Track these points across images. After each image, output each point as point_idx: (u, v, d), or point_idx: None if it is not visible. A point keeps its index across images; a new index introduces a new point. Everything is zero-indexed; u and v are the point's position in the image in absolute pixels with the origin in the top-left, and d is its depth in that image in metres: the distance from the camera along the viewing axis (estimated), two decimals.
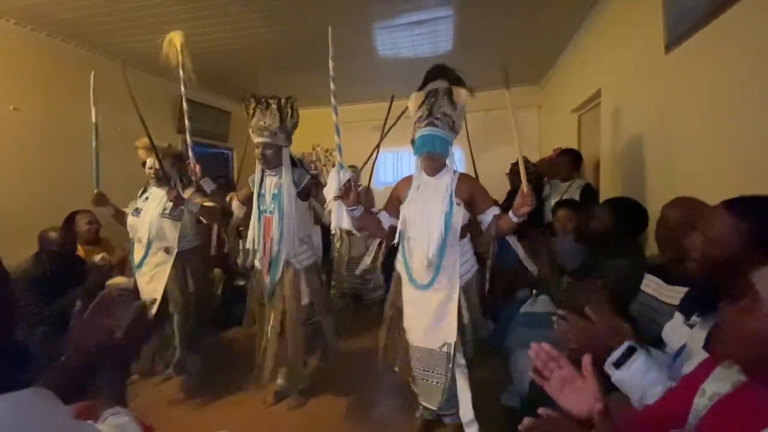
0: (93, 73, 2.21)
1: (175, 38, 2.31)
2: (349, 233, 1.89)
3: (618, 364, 0.94)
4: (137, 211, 2.35)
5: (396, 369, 1.88)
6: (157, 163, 2.19)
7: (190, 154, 2.09)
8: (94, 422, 0.69)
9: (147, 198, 2.38)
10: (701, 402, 0.71)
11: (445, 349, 1.66)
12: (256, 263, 2.17)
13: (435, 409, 1.74)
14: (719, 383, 0.70)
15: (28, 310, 2.09)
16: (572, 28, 3.23)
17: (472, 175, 2.17)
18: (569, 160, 2.87)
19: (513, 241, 1.74)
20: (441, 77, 1.84)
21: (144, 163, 2.30)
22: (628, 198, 2.00)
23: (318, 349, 2.27)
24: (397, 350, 1.84)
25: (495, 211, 1.68)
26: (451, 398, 1.71)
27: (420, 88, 1.86)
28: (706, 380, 0.73)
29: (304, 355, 2.17)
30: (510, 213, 1.55)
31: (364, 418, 2.14)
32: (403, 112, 1.91)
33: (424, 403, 1.80)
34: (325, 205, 2.02)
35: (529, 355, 0.88)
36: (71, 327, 0.82)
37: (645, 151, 2.13)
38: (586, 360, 0.79)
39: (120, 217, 2.45)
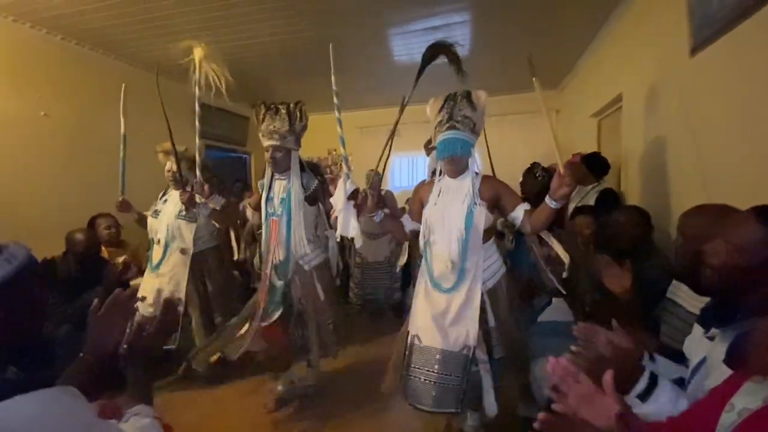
0: (124, 86, 2.28)
1: (196, 52, 2.14)
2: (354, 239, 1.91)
3: (643, 396, 0.88)
4: (156, 213, 2.43)
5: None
6: (175, 166, 2.26)
7: (198, 173, 2.14)
8: (117, 421, 0.71)
9: (166, 200, 2.45)
10: (729, 417, 0.67)
11: (464, 351, 1.64)
12: (264, 266, 2.18)
13: (453, 410, 1.67)
14: (750, 398, 0.67)
15: (54, 309, 2.16)
16: (592, 32, 3.18)
17: None
18: (586, 165, 2.79)
19: (548, 237, 1.69)
20: (440, 54, 1.83)
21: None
22: (630, 206, 1.97)
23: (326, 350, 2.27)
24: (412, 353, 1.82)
25: (525, 206, 1.64)
26: (468, 401, 1.68)
27: (420, 72, 1.85)
28: (735, 394, 0.70)
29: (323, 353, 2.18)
30: (547, 199, 1.49)
31: (379, 422, 2.14)
32: (401, 113, 1.90)
33: (432, 410, 1.69)
34: (331, 212, 2.04)
35: (546, 369, 0.85)
36: (88, 324, 0.85)
37: (670, 156, 2.08)
38: (608, 376, 0.76)
39: (143, 222, 2.52)
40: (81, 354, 0.79)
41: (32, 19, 2.74)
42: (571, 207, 2.74)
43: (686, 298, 1.42)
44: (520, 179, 3.67)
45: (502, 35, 3.26)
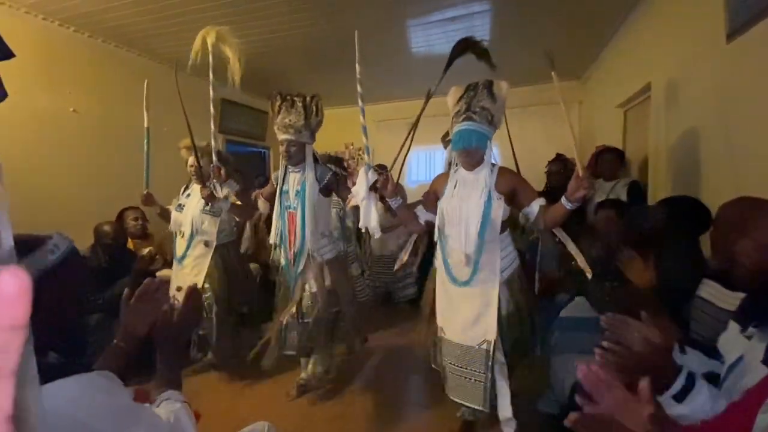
0: (147, 81, 2.33)
1: (208, 36, 2.12)
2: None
3: (680, 397, 0.84)
4: (180, 207, 2.49)
5: (434, 366, 1.88)
6: (196, 161, 2.30)
7: (214, 158, 2.17)
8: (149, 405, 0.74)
9: (189, 195, 2.51)
10: (765, 418, 0.65)
11: (484, 346, 1.63)
12: (281, 259, 2.21)
13: (479, 407, 1.68)
14: None
15: (85, 299, 2.25)
16: (619, 19, 3.07)
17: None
18: (613, 158, 2.73)
19: (562, 234, 1.66)
20: (467, 51, 1.80)
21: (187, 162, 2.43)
22: (687, 196, 1.87)
23: (342, 341, 2.30)
24: (433, 346, 1.83)
25: (541, 201, 1.62)
26: (491, 396, 1.68)
27: (447, 66, 1.82)
28: None
29: (327, 344, 2.20)
30: (563, 199, 1.48)
31: (396, 414, 2.15)
32: (423, 109, 1.88)
33: (457, 400, 1.74)
34: (346, 203, 2.04)
35: (577, 377, 0.80)
36: (121, 313, 0.88)
37: (702, 148, 1.99)
38: (644, 383, 0.73)
39: (165, 215, 2.60)
40: (114, 342, 0.82)
41: (60, 18, 2.82)
42: (596, 202, 2.68)
43: (716, 294, 1.38)
44: (545, 169, 3.61)
45: (523, 25, 3.18)
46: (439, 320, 1.78)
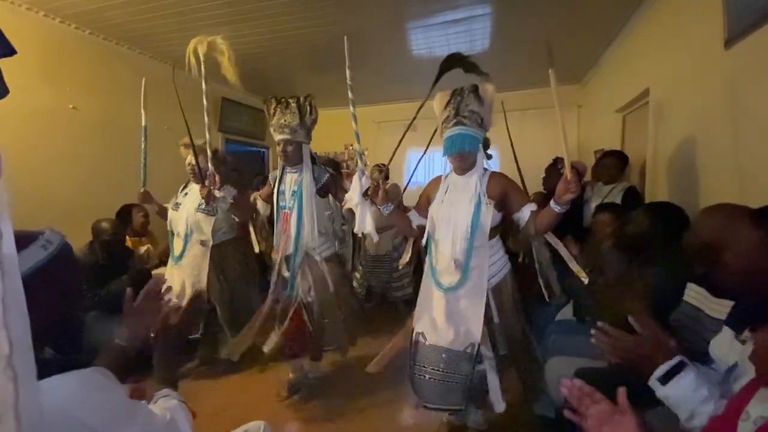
0: (144, 80, 2.33)
1: (197, 46, 2.12)
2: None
3: (665, 379, 0.88)
4: (177, 206, 2.48)
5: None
6: (194, 159, 2.30)
7: (209, 164, 2.16)
8: (146, 403, 0.74)
9: (186, 193, 2.50)
10: (746, 426, 0.67)
11: (469, 350, 1.62)
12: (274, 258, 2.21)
13: (458, 407, 1.67)
14: (764, 405, 0.66)
15: (80, 293, 2.24)
16: (618, 24, 3.09)
17: (516, 176, 2.10)
18: (615, 162, 2.74)
19: (553, 239, 1.66)
20: (455, 66, 1.81)
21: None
22: (668, 203, 1.88)
23: (334, 343, 2.29)
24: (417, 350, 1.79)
25: (532, 207, 1.62)
26: (472, 398, 1.67)
27: (436, 80, 1.83)
28: (750, 402, 0.69)
29: (323, 344, 2.20)
30: (551, 202, 1.48)
31: (389, 414, 2.16)
32: (418, 111, 1.89)
33: (435, 407, 1.71)
34: (342, 204, 2.05)
35: (561, 392, 0.84)
36: (123, 313, 0.88)
37: (699, 154, 2.00)
38: (622, 396, 0.75)
39: (163, 213, 2.59)
40: (116, 340, 0.82)
41: (62, 15, 2.82)
42: (593, 206, 2.69)
43: (702, 300, 1.38)
44: (543, 174, 3.62)
45: (523, 28, 3.19)
46: (421, 325, 1.73)
